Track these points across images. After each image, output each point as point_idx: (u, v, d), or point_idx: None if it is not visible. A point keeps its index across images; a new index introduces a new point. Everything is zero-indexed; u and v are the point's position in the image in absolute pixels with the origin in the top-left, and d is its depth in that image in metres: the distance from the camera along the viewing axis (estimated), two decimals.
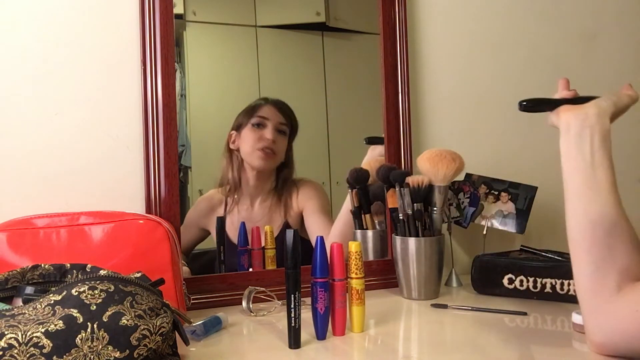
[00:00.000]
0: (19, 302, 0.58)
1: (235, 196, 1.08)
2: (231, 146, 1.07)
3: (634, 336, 0.60)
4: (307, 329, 0.73)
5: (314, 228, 1.08)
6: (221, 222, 1.05)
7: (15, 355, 0.49)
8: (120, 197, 0.94)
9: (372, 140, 1.14)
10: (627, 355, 0.61)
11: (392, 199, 0.98)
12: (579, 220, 0.69)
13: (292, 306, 0.68)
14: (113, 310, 0.53)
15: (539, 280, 0.92)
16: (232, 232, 1.06)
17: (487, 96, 1.25)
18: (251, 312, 0.87)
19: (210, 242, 1.06)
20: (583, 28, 1.34)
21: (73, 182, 0.93)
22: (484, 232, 1.08)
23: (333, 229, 1.09)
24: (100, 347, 0.52)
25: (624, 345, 0.61)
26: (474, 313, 0.86)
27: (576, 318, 0.73)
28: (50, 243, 0.76)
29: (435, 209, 0.98)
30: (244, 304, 0.88)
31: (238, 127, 1.07)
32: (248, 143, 1.06)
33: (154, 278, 0.61)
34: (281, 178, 1.09)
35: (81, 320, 0.52)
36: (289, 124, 1.09)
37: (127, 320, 0.53)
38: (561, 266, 0.90)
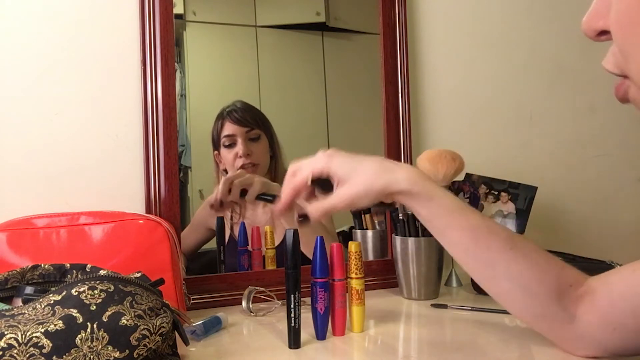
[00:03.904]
0: (18, 302, 0.58)
1: (236, 204, 1.08)
2: (221, 167, 1.07)
3: (621, 346, 0.59)
4: (307, 329, 0.73)
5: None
6: (221, 221, 1.05)
7: (15, 355, 0.49)
8: (120, 197, 0.94)
9: None
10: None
11: None
12: (480, 280, 0.66)
13: (292, 306, 0.68)
14: (113, 310, 0.53)
15: None
16: (236, 232, 1.06)
17: (487, 96, 1.25)
18: (251, 312, 0.87)
19: (211, 242, 1.06)
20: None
21: (73, 182, 0.93)
22: None
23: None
24: (100, 347, 0.52)
25: (613, 354, 0.60)
26: (474, 313, 0.86)
27: None
28: (50, 243, 0.76)
29: None
30: (244, 304, 0.88)
31: (216, 147, 1.06)
32: (228, 164, 1.06)
33: (154, 278, 0.61)
34: (275, 174, 1.09)
35: (81, 320, 0.52)
36: (257, 128, 1.07)
37: (127, 320, 0.53)
38: None
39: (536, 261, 0.62)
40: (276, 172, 1.09)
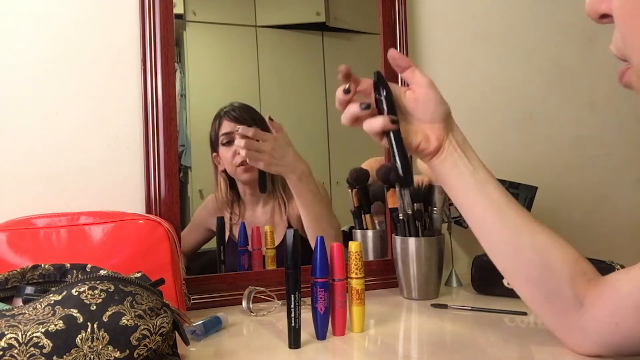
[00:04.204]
0: (19, 302, 0.58)
1: (235, 205, 1.08)
2: (219, 168, 1.07)
3: (622, 344, 0.59)
4: (307, 329, 0.73)
5: None
6: (221, 221, 1.05)
7: (15, 355, 0.49)
8: (120, 197, 0.93)
9: None
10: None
11: (392, 199, 0.98)
12: (501, 251, 0.67)
13: (292, 306, 0.68)
14: (113, 310, 0.53)
15: None
16: (235, 232, 1.06)
17: (487, 96, 1.25)
18: (251, 312, 0.87)
19: (211, 242, 1.06)
20: (582, 29, 1.34)
21: (73, 182, 0.93)
22: None
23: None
24: (100, 347, 0.52)
25: (612, 352, 0.60)
26: (474, 313, 0.86)
27: None
28: (50, 243, 0.76)
29: (435, 209, 0.98)
30: (244, 304, 0.88)
31: (214, 148, 1.07)
32: (227, 162, 1.06)
33: (154, 278, 0.61)
34: (274, 177, 1.09)
35: (81, 320, 0.52)
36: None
37: (127, 320, 0.53)
38: None
39: (557, 240, 0.64)
40: (275, 176, 1.09)
